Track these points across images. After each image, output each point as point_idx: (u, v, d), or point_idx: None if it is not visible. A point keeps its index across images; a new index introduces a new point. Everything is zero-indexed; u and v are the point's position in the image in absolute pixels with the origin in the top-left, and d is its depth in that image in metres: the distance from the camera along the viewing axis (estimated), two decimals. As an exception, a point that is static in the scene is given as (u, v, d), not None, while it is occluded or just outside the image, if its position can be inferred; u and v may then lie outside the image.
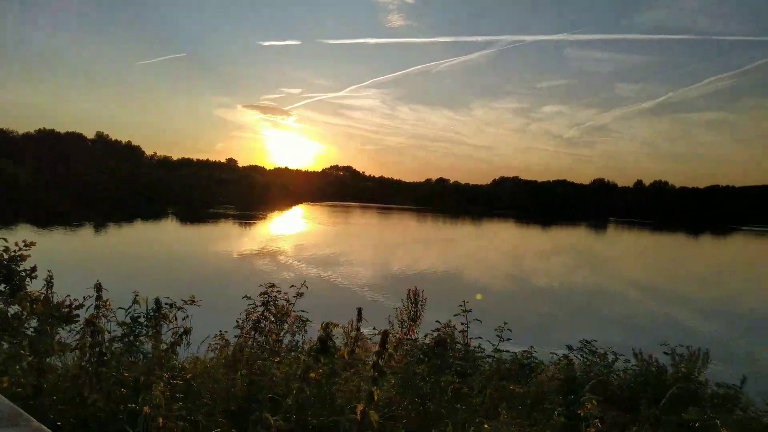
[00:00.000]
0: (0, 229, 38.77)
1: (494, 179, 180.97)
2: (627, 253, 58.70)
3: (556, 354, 7.14)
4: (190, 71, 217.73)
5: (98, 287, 4.02)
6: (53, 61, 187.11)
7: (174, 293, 5.03)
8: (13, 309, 4.88)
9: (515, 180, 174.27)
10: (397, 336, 7.77)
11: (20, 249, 5.64)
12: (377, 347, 3.45)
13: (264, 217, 75.84)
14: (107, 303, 3.97)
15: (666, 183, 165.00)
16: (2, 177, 69.29)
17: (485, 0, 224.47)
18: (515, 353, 7.15)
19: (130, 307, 4.17)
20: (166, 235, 47.95)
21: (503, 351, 6.26)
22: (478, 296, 27.65)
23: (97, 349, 3.49)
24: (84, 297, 4.46)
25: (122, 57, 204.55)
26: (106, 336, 3.99)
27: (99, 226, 48.82)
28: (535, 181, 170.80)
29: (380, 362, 3.40)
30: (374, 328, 6.96)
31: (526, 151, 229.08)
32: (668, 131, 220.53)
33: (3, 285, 5.48)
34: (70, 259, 29.73)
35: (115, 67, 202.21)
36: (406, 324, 8.56)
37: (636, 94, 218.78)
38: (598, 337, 7.69)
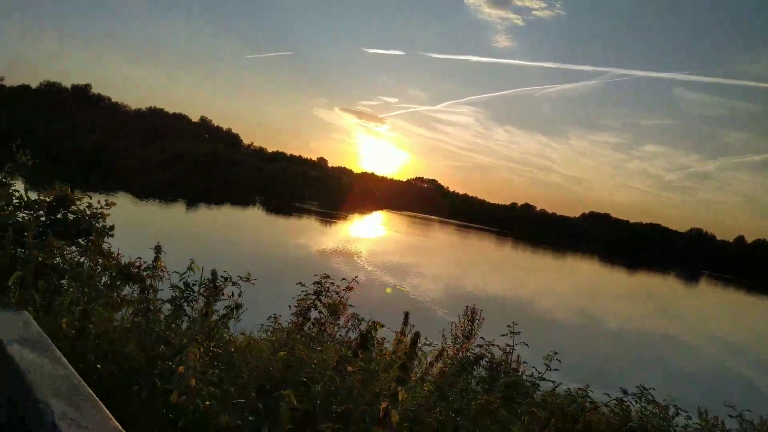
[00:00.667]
0: (98, 193, 42.00)
1: (583, 213, 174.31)
2: (714, 308, 54.54)
3: (609, 395, 6.68)
4: (294, 70, 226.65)
5: (158, 249, 4.20)
6: (169, 47, 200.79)
7: (238, 271, 5.18)
8: (86, 260, 5.22)
9: (605, 216, 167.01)
10: (449, 351, 7.62)
11: (101, 207, 6.04)
12: (407, 348, 3.38)
13: (345, 218, 77.26)
14: (161, 264, 4.12)
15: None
16: (108, 151, 75.05)
17: (595, 29, 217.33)
18: (569, 388, 6.79)
19: (185, 272, 4.32)
20: (246, 221, 49.94)
21: (549, 381, 5.94)
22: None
23: (144, 305, 3.63)
24: (152, 259, 4.69)
25: (233, 50, 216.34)
26: (158, 295, 4.16)
27: (190, 204, 51.62)
28: (627, 221, 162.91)
29: (408, 363, 3.33)
30: (426, 339, 6.85)
31: (620, 187, 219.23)
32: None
33: (83, 238, 5.89)
34: (147, 227, 31.60)
35: (226, 58, 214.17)
36: (459, 340, 8.39)
37: (744, 144, 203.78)
38: (661, 387, 7.14)
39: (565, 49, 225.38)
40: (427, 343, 6.66)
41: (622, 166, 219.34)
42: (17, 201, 5.63)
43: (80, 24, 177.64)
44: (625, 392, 6.93)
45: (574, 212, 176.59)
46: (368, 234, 60.83)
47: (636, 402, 6.94)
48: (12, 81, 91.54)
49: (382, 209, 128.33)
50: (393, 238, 63.27)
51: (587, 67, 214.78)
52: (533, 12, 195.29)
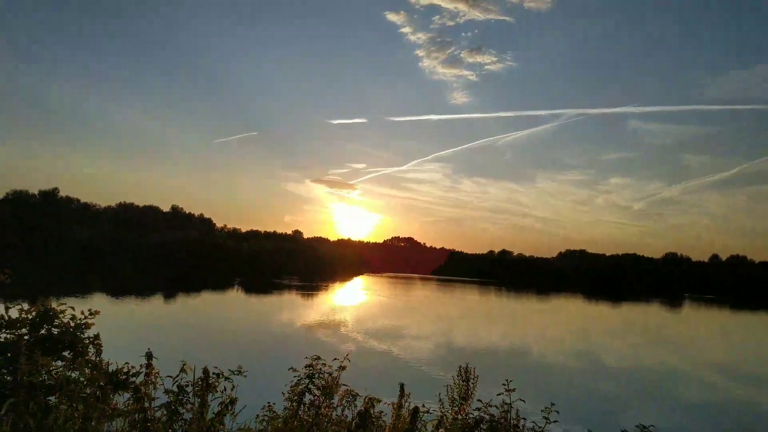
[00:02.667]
0: (75, 297, 41.08)
1: (560, 252, 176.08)
2: (701, 332, 54.84)
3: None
4: (262, 148, 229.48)
5: (149, 355, 4.22)
6: (138, 139, 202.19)
7: (230, 363, 5.19)
8: (74, 374, 5.16)
9: (582, 253, 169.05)
10: (449, 415, 7.55)
11: (85, 317, 6.01)
12: (408, 423, 3.43)
13: (326, 288, 76.58)
14: (153, 371, 4.14)
15: (744, 258, 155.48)
16: (77, 243, 74.02)
17: (546, 75, 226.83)
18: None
19: (178, 375, 4.34)
20: (229, 306, 49.16)
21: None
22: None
23: (141, 415, 3.63)
24: (141, 365, 4.69)
25: (200, 136, 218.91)
26: (154, 403, 4.15)
27: (167, 296, 50.73)
28: (603, 255, 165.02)
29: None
30: (423, 405, 6.82)
31: (592, 223, 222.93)
32: (742, 204, 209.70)
33: (68, 351, 5.84)
34: (134, 327, 30.93)
35: (193, 145, 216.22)
36: (457, 402, 8.32)
37: (705, 166, 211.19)
38: (662, 423, 7.20)
39: (521, 96, 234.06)
40: (425, 409, 6.64)
41: (591, 202, 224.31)
42: (-1, 321, 5.59)
43: (42, 124, 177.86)
44: (625, 433, 6.95)
45: (551, 253, 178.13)
46: (351, 301, 60.28)
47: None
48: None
49: (362, 273, 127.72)
50: (376, 302, 62.76)
51: (543, 112, 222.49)
52: (485, 67, 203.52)
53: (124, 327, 30.12)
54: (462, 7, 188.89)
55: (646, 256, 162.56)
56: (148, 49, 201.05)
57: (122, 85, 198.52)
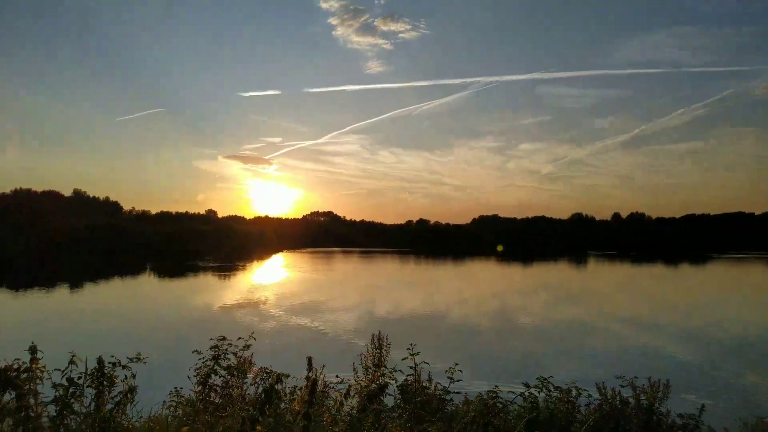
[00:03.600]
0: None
1: (474, 218, 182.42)
2: (601, 286, 59.10)
3: (513, 392, 7.12)
4: (170, 125, 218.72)
5: (33, 349, 3.99)
6: (30, 121, 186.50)
7: (131, 353, 5.00)
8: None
9: (495, 218, 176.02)
10: (362, 383, 7.72)
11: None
12: (307, 396, 3.49)
13: (243, 268, 75.13)
14: (37, 365, 3.92)
15: (643, 214, 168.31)
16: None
17: (459, 44, 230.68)
18: (481, 393, 7.14)
19: (67, 368, 4.14)
20: (136, 293, 47.11)
21: (456, 392, 6.27)
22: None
23: (23, 413, 3.45)
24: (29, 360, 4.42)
25: (102, 114, 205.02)
26: (41, 399, 3.94)
27: (73, 286, 47.86)
28: (515, 218, 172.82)
29: (309, 411, 3.43)
30: (337, 376, 6.94)
31: (505, 188, 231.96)
32: (643, 163, 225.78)
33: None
34: (27, 323, 29.03)
35: (94, 124, 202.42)
36: (371, 370, 8.52)
37: (610, 128, 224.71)
38: (564, 373, 7.75)
39: (435, 66, 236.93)
40: (339, 380, 6.76)
41: (504, 167, 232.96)
42: None
43: None
44: (527, 385, 7.43)
45: (467, 219, 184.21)
46: (270, 279, 59.58)
47: (539, 392, 7.46)
48: None
49: (281, 251, 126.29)
50: (297, 278, 62.46)
51: (457, 80, 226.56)
52: (399, 35, 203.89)
53: (16, 323, 28.19)
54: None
55: (555, 217, 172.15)
56: (44, 25, 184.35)
57: (11, 63, 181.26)
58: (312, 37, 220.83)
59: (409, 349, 5.89)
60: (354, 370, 8.51)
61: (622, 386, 7.75)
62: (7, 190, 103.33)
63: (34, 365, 3.82)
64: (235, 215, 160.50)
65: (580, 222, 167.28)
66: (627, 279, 68.22)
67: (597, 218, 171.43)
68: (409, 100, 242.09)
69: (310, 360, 5.72)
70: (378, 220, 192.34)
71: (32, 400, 3.72)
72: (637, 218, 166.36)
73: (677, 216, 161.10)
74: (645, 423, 7.09)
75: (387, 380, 5.34)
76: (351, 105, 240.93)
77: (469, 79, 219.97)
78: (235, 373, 5.64)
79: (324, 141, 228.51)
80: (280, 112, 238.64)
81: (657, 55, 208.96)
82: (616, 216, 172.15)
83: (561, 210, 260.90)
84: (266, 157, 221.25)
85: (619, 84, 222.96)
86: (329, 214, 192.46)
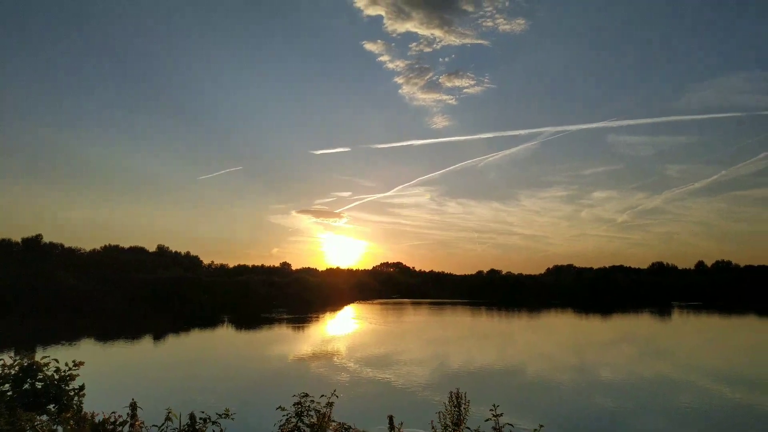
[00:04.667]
0: (61, 344, 40.29)
1: (548, 268, 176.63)
2: (690, 338, 55.14)
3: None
4: (246, 182, 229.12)
5: (133, 406, 4.21)
6: (120, 179, 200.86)
7: (217, 405, 5.17)
8: (59, 428, 5.11)
9: (570, 268, 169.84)
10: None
11: (69, 369, 5.98)
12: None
13: (316, 319, 75.91)
14: (138, 422, 4.12)
15: (729, 263, 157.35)
16: (62, 289, 73.05)
17: (524, 95, 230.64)
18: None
19: (164, 423, 4.32)
20: (217, 344, 48.47)
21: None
22: None
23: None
24: (127, 414, 4.66)
25: (184, 173, 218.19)
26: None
27: (157, 338, 49.96)
28: (591, 268, 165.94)
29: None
30: (416, 433, 6.82)
31: (578, 238, 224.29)
32: (724, 210, 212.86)
33: (52, 404, 5.78)
34: (120, 374, 30.36)
35: (178, 183, 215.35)
36: (449, 428, 8.29)
37: (684, 174, 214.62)
38: (665, 429, 7.26)
39: (501, 117, 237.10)
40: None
41: (576, 217, 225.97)
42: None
43: (17, 167, 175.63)
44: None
45: (539, 269, 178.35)
46: (342, 331, 59.80)
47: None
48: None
49: (352, 302, 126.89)
50: (368, 329, 62.32)
51: (523, 131, 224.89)
52: (464, 90, 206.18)
53: (110, 374, 29.55)
54: (438, 33, 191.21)
55: (633, 266, 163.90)
56: (129, 86, 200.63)
57: (101, 123, 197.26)
58: (379, 95, 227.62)
59: (492, 410, 5.72)
60: (433, 428, 8.32)
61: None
62: (98, 246, 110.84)
63: (136, 422, 4.01)
64: (308, 267, 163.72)
65: (661, 271, 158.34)
66: (715, 331, 63.46)
67: (679, 267, 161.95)
68: (475, 152, 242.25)
69: (391, 419, 5.67)
70: (447, 270, 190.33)
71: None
72: (723, 266, 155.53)
73: (767, 264, 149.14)
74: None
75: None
76: (417, 159, 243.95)
77: (535, 130, 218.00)
78: (317, 430, 5.66)
79: (392, 194, 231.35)
80: (349, 167, 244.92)
81: (731, 99, 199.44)
82: (700, 264, 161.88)
83: (639, 259, 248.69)
84: (336, 211, 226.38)
85: (692, 130, 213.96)
86: (398, 265, 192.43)
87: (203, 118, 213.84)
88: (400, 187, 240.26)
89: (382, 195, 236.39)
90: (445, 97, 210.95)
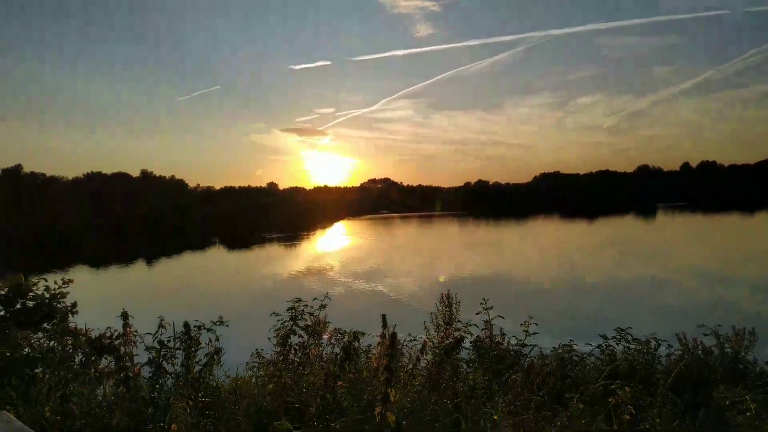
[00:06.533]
0: (56, 272, 40.59)
1: (535, 176, 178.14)
2: (673, 238, 56.69)
3: (591, 344, 6.97)
4: (225, 102, 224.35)
5: (125, 315, 4.20)
6: (95, 106, 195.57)
7: (211, 318, 5.19)
8: (56, 343, 5.14)
9: (556, 174, 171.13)
10: (434, 341, 7.76)
11: (59, 287, 5.95)
12: (387, 348, 3.50)
13: (307, 237, 76.82)
14: (130, 329, 4.12)
15: (714, 163, 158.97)
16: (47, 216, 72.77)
17: (508, 1, 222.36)
18: (554, 347, 7.03)
19: (157, 331, 4.34)
20: (208, 264, 49.11)
21: (532, 345, 6.18)
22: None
23: (122, 374, 3.64)
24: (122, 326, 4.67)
25: (162, 96, 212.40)
26: (136, 361, 4.16)
27: (149, 262, 50.42)
28: (577, 174, 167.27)
29: (391, 363, 3.44)
30: (410, 334, 6.99)
31: (564, 145, 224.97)
32: (711, 110, 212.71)
33: (46, 322, 5.80)
34: (111, 295, 30.82)
35: (156, 106, 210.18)
36: (442, 328, 8.55)
37: (672, 75, 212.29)
38: (640, 326, 7.50)
39: (485, 24, 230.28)
40: (412, 338, 6.80)
41: (562, 124, 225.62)
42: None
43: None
44: (605, 337, 7.24)
45: (527, 178, 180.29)
46: (334, 247, 60.68)
47: (617, 344, 7.27)
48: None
49: (342, 219, 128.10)
50: (359, 245, 63.31)
51: (508, 37, 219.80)
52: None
53: (101, 296, 29.99)
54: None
55: (619, 171, 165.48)
56: (101, 15, 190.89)
57: (77, 54, 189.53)
58: (357, 4, 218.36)
59: (482, 303, 5.83)
60: (426, 328, 8.57)
61: (705, 335, 7.44)
62: (80, 174, 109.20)
63: (127, 329, 4.02)
64: (296, 187, 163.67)
65: (646, 174, 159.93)
66: (700, 230, 65.19)
67: (664, 169, 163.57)
68: (459, 61, 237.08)
69: (384, 317, 5.73)
70: (435, 184, 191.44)
71: (129, 363, 3.92)
72: (707, 167, 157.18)
73: (751, 162, 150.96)
74: (731, 371, 6.79)
75: (462, 334, 5.32)
76: (401, 70, 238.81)
77: (521, 35, 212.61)
78: (312, 332, 5.76)
79: (376, 108, 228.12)
80: (331, 82, 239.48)
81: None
82: (686, 166, 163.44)
83: (625, 163, 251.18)
84: (320, 128, 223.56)
85: (680, 30, 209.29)
86: (386, 181, 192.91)
87: (177, 39, 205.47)
88: (385, 100, 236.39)
89: (366, 110, 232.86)
90: (427, 3, 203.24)
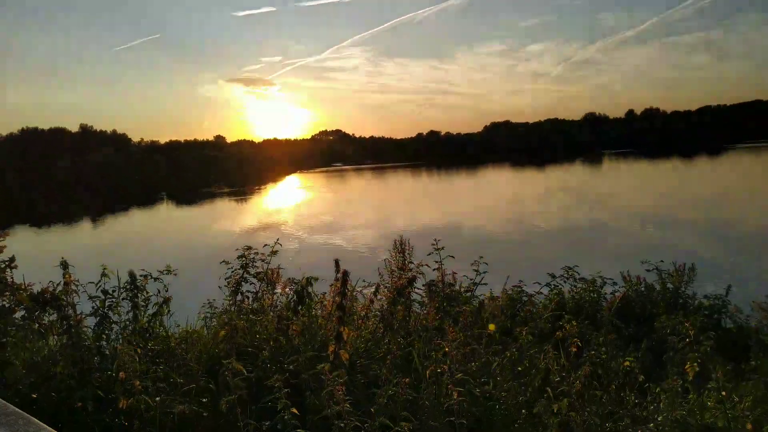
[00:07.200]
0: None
1: (485, 126, 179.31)
2: (618, 184, 58.80)
3: (539, 283, 7.19)
4: (167, 52, 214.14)
5: (64, 264, 4.01)
6: (26, 59, 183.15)
7: (161, 267, 5.03)
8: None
9: (507, 124, 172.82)
10: (388, 285, 7.84)
11: (-7, 241, 5.62)
12: (339, 287, 3.50)
13: (258, 191, 75.68)
14: (71, 277, 3.95)
15: (657, 109, 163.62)
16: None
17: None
18: (505, 288, 7.22)
19: (100, 280, 4.18)
20: (157, 219, 47.92)
21: (484, 284, 6.32)
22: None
23: (65, 323, 3.50)
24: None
25: (98, 45, 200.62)
26: (80, 310, 4.01)
27: (94, 219, 48.69)
28: (527, 123, 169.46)
29: (343, 302, 3.45)
30: (364, 281, 7.02)
31: (515, 93, 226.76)
32: (655, 57, 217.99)
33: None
34: (53, 251, 29.71)
35: (93, 57, 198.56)
36: (395, 273, 8.65)
37: (618, 23, 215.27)
38: (590, 266, 7.79)
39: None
40: (366, 284, 6.84)
41: (513, 72, 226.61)
42: None
43: None
44: (553, 276, 7.49)
45: (479, 127, 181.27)
46: (287, 201, 60.11)
47: (565, 282, 7.54)
48: None
49: (294, 172, 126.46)
50: (312, 198, 62.90)
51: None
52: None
53: (42, 252, 28.91)
54: None
55: (567, 119, 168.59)
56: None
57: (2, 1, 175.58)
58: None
59: (433, 244, 5.87)
60: (380, 274, 8.65)
61: (647, 270, 7.80)
62: (15, 130, 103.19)
63: (67, 278, 3.85)
64: (244, 140, 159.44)
65: (593, 122, 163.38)
66: (642, 176, 67.73)
67: (611, 117, 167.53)
68: (409, 7, 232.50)
69: (337, 261, 5.71)
70: (387, 135, 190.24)
71: (71, 312, 3.77)
72: (651, 114, 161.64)
73: (692, 109, 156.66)
74: (672, 305, 7.18)
75: (414, 275, 5.38)
76: (351, 17, 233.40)
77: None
78: (265, 280, 5.68)
79: (325, 56, 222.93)
80: (277, 30, 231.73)
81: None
82: (630, 113, 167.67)
83: (574, 111, 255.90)
84: (268, 78, 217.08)
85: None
86: (337, 132, 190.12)
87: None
88: (334, 48, 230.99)
89: (315, 58, 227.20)
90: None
